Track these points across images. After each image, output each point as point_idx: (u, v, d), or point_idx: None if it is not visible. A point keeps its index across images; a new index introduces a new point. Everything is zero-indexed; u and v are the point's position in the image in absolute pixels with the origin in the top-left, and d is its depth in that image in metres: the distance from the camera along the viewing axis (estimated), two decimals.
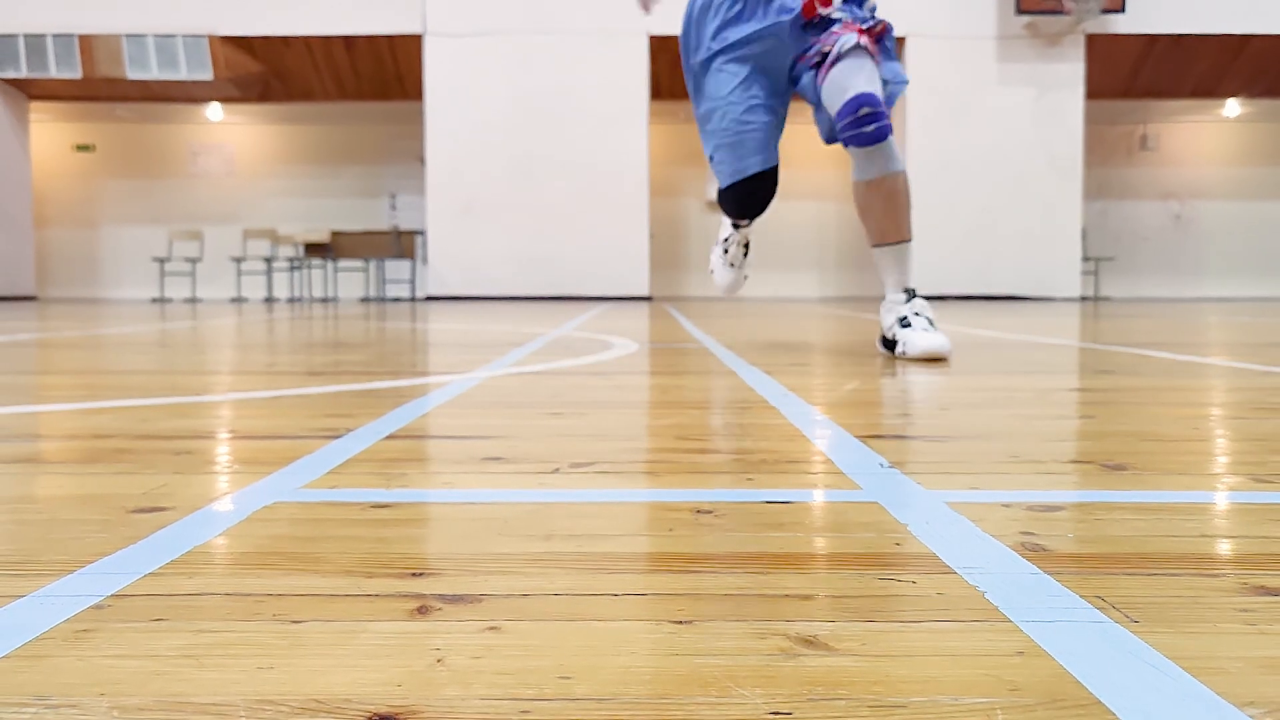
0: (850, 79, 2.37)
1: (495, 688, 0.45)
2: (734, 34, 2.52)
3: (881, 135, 2.37)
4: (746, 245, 3.01)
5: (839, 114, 2.37)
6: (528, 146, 10.29)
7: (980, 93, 10.46)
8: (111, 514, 0.79)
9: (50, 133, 12.54)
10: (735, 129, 2.53)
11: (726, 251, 3.00)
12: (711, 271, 3.08)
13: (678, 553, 0.68)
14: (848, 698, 0.44)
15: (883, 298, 2.54)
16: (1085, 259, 11.39)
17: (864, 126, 2.35)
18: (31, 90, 11.58)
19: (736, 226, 2.92)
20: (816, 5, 2.45)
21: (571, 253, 10.38)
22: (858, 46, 2.39)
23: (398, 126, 12.24)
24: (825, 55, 2.42)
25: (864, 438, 1.18)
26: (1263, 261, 12.49)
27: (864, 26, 2.43)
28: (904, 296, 2.46)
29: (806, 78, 2.50)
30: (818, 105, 2.51)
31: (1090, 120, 11.19)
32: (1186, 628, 0.53)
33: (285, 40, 10.67)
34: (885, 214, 2.45)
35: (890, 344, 2.49)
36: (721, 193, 2.65)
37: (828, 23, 2.46)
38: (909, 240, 2.47)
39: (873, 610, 0.56)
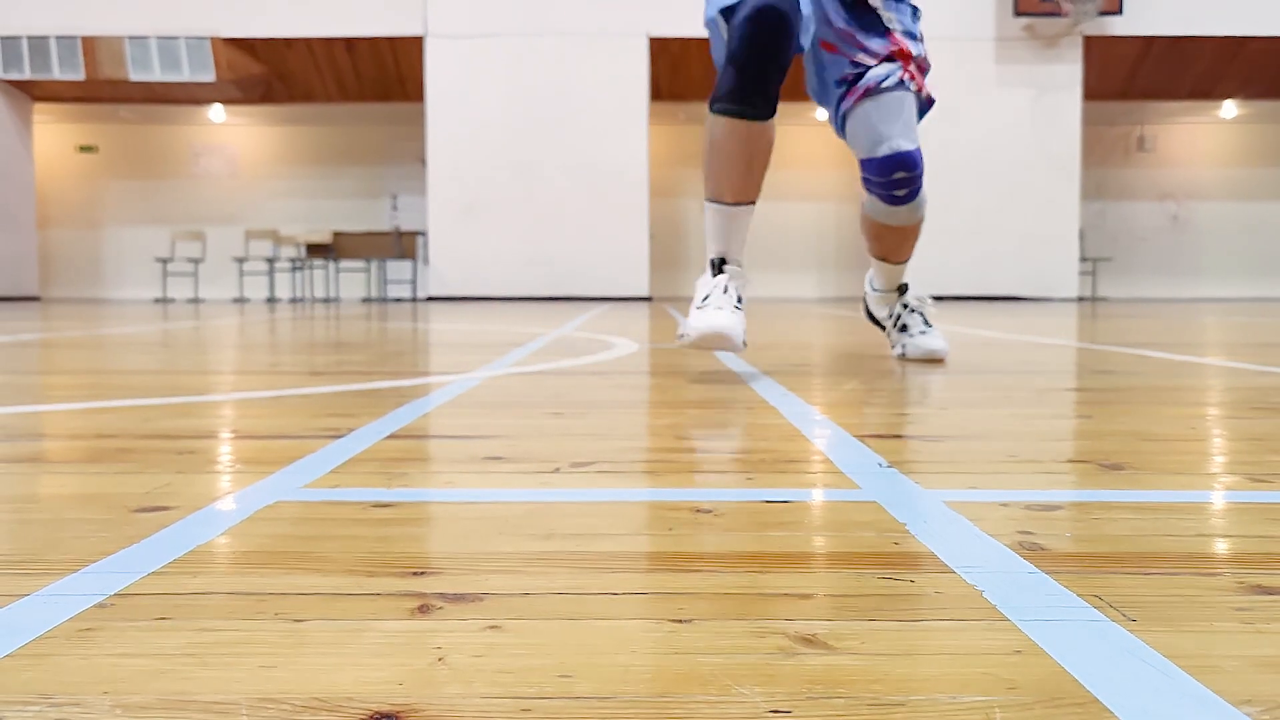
0: (886, 124, 2.02)
1: (496, 686, 0.45)
2: None
3: (913, 198, 2.12)
4: (740, 297, 1.99)
5: (868, 165, 2.08)
6: (528, 147, 10.30)
7: (978, 94, 10.46)
8: (115, 513, 0.79)
9: (53, 134, 12.55)
10: None
11: (707, 299, 1.95)
12: (681, 336, 1.93)
13: (677, 552, 0.68)
14: (847, 696, 0.44)
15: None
16: (1083, 259, 11.39)
17: (895, 190, 2.09)
18: (35, 91, 11.59)
19: (719, 269, 1.97)
20: None
21: (572, 253, 10.38)
22: (901, 84, 2.04)
23: (399, 128, 12.25)
24: (860, 75, 2.04)
25: (863, 437, 1.18)
26: (1259, 262, 12.49)
27: (914, 53, 2.07)
28: (897, 294, 2.43)
29: (833, 89, 2.08)
30: (837, 126, 2.14)
31: (1088, 121, 11.18)
32: (1184, 626, 0.53)
33: (287, 42, 10.68)
34: (898, 246, 2.33)
35: (875, 319, 2.50)
36: (731, 30, 1.89)
37: (872, 17, 2.05)
38: (910, 258, 2.43)
39: (871, 609, 0.56)
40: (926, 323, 2.38)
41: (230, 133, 12.74)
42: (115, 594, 0.58)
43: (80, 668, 0.47)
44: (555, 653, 0.49)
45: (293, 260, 11.56)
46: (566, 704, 0.43)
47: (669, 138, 11.87)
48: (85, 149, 12.72)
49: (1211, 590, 0.59)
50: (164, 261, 11.51)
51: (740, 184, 1.96)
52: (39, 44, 10.61)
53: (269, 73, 11.30)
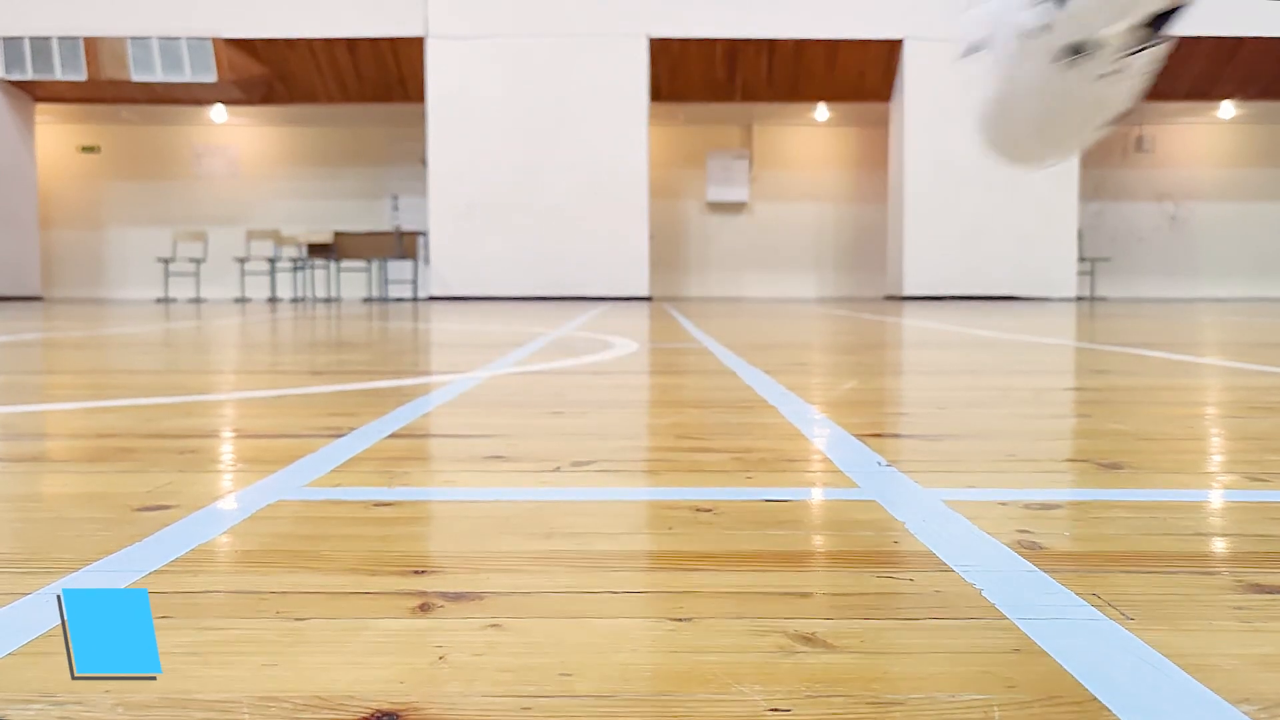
0: None
1: (497, 684, 0.45)
2: None
3: None
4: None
5: None
6: (529, 148, 10.31)
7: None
8: (117, 512, 0.80)
9: (56, 134, 12.55)
10: None
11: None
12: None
13: (677, 551, 0.68)
14: (846, 694, 0.44)
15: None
16: (1081, 259, 11.39)
17: None
18: (37, 92, 11.59)
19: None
20: None
21: (572, 254, 10.39)
22: None
23: (400, 128, 12.25)
24: None
25: (862, 437, 1.18)
26: (1257, 262, 12.50)
27: None
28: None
29: None
30: None
31: None
32: (1182, 625, 0.53)
33: (289, 43, 10.69)
34: None
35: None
36: None
37: None
38: None
39: (870, 608, 0.56)
40: None
41: (232, 133, 12.75)
42: None
43: None
44: (555, 651, 0.49)
45: (294, 260, 11.56)
46: (566, 702, 0.43)
47: (669, 139, 11.88)
48: (87, 149, 12.72)
49: (1209, 589, 0.59)
50: (166, 261, 11.51)
51: None
52: (41, 44, 10.61)
53: (270, 73, 11.30)
